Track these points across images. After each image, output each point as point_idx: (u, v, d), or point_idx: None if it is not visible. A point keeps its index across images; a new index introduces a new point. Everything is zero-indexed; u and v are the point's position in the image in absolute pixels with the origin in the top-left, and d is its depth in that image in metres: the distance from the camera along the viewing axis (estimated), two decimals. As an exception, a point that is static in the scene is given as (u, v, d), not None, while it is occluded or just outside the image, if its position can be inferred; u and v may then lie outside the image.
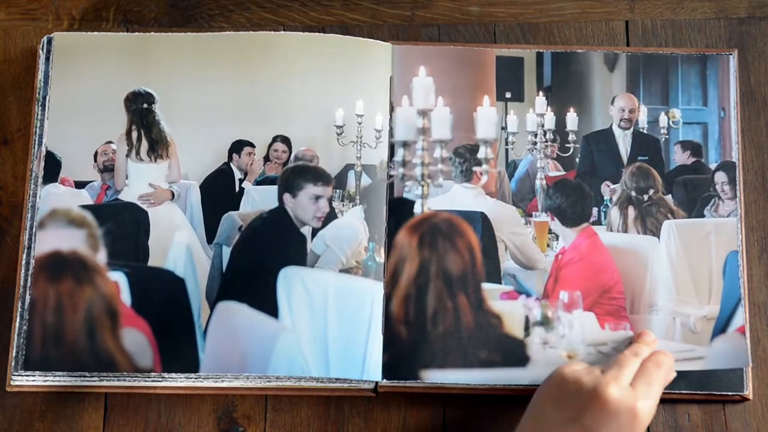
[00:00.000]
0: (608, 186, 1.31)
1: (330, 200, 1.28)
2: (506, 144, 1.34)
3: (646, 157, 1.31)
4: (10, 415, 1.23)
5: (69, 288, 1.19)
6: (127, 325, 1.19)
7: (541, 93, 1.33)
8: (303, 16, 1.38)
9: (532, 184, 1.32)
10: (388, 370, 1.20)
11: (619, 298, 1.24)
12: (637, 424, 1.05)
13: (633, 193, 1.30)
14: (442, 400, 1.23)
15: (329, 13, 1.38)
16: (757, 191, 1.29)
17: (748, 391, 1.21)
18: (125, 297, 1.21)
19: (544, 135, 1.33)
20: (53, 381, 1.20)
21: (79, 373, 1.19)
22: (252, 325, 1.21)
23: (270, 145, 1.32)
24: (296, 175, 1.28)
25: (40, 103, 1.29)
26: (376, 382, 1.21)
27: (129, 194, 1.30)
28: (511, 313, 1.21)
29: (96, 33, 1.34)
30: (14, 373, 1.20)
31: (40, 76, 1.30)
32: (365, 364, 1.20)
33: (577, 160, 1.33)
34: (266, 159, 1.33)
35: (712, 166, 1.29)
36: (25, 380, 1.20)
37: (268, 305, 1.21)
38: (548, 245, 1.31)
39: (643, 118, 1.33)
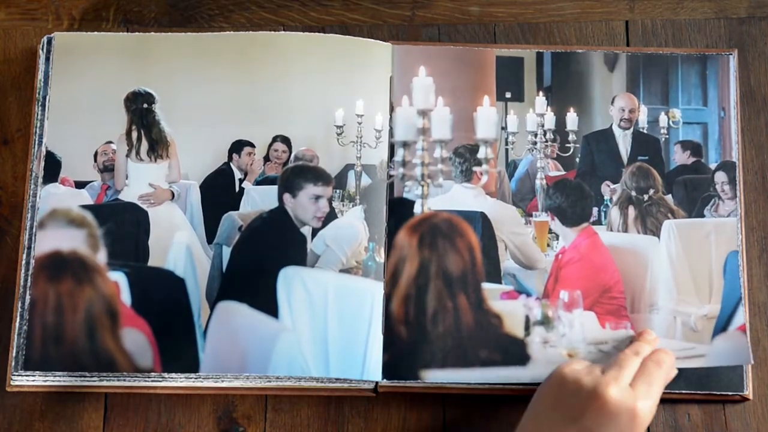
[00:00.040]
0: (608, 186, 1.31)
1: (330, 200, 1.28)
2: (506, 144, 1.34)
3: (646, 157, 1.32)
4: (10, 415, 1.23)
5: (69, 288, 1.19)
6: (127, 325, 1.19)
7: (541, 93, 1.33)
8: (303, 16, 1.38)
9: (532, 184, 1.32)
10: (388, 370, 1.20)
11: (619, 297, 1.24)
12: (637, 425, 1.05)
13: (633, 193, 1.30)
14: (442, 400, 1.23)
15: (329, 13, 1.38)
16: (757, 191, 1.29)
17: (748, 391, 1.21)
18: (125, 297, 1.21)
19: (544, 135, 1.33)
20: (53, 381, 1.20)
21: (79, 373, 1.19)
22: (252, 325, 1.21)
23: (270, 145, 1.32)
24: (296, 175, 1.28)
25: (40, 103, 1.29)
26: (376, 382, 1.20)
27: (129, 194, 1.30)
28: (512, 312, 1.21)
29: (96, 33, 1.34)
30: (14, 373, 1.20)
31: (40, 76, 1.30)
32: (365, 364, 1.20)
33: (577, 160, 1.33)
34: (266, 159, 1.33)
35: (712, 166, 1.29)
36: (25, 380, 1.20)
37: (268, 305, 1.21)
38: (548, 245, 1.31)
39: (643, 118, 1.33)
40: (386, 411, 1.23)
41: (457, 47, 1.33)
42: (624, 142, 1.34)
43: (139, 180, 1.31)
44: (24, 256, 1.23)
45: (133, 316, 1.20)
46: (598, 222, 1.30)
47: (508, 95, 1.33)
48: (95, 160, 1.30)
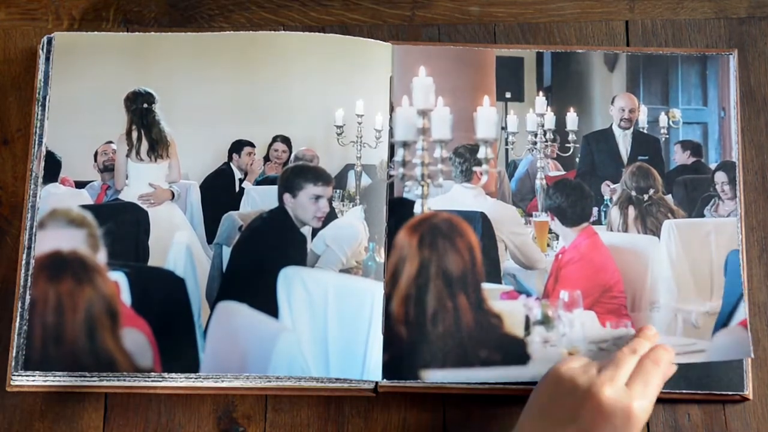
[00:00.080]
0: (608, 186, 1.31)
1: (330, 200, 1.28)
2: (506, 144, 1.34)
3: (646, 157, 1.31)
4: (10, 415, 1.23)
5: (69, 288, 1.19)
6: (127, 325, 1.19)
7: (541, 93, 1.33)
8: (303, 16, 1.38)
9: (532, 184, 1.32)
10: (388, 370, 1.20)
11: (619, 296, 1.24)
12: (633, 425, 1.04)
13: (633, 193, 1.30)
14: (442, 400, 1.23)
15: (329, 13, 1.38)
16: (757, 191, 1.29)
17: (748, 391, 1.21)
18: (125, 297, 1.21)
19: (544, 135, 1.33)
20: (53, 381, 1.20)
21: (79, 373, 1.19)
22: (252, 325, 1.21)
23: (270, 145, 1.32)
24: (296, 175, 1.28)
25: (40, 103, 1.29)
26: (376, 382, 1.20)
27: (129, 194, 1.30)
28: (511, 312, 1.21)
29: (96, 33, 1.34)
30: (14, 373, 1.20)
31: (40, 76, 1.30)
32: (365, 364, 1.20)
33: (577, 159, 1.33)
34: (266, 159, 1.33)
35: (712, 166, 1.29)
36: (25, 380, 1.20)
37: (268, 305, 1.21)
38: (548, 245, 1.31)
39: (643, 117, 1.33)
40: (386, 411, 1.23)
41: (457, 47, 1.33)
42: (624, 142, 1.34)
43: (139, 180, 1.31)
44: (24, 256, 1.23)
45: (133, 316, 1.20)
46: (598, 222, 1.30)
47: (508, 95, 1.33)
48: (95, 160, 1.30)
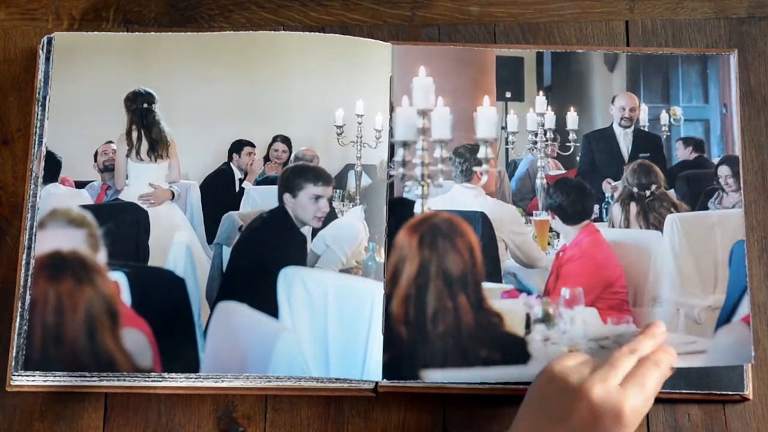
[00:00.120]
0: (609, 183, 1.31)
1: (330, 200, 1.28)
2: (506, 144, 1.34)
3: (648, 155, 1.31)
4: (10, 415, 1.23)
5: (69, 288, 1.19)
6: (127, 325, 1.19)
7: (541, 92, 1.33)
8: (303, 16, 1.38)
9: (533, 184, 1.32)
10: (388, 370, 1.20)
11: (621, 292, 1.24)
12: (624, 426, 1.03)
13: (635, 190, 1.29)
14: (442, 400, 1.23)
15: (329, 13, 1.38)
16: (757, 191, 1.29)
17: (748, 391, 1.21)
18: (125, 297, 1.21)
19: (545, 134, 1.33)
20: (53, 381, 1.19)
21: (79, 373, 1.18)
22: (252, 325, 1.21)
23: (270, 145, 1.32)
24: (296, 175, 1.28)
25: (40, 103, 1.29)
26: (376, 382, 1.20)
27: (129, 194, 1.30)
28: (512, 311, 1.21)
29: (96, 33, 1.34)
30: (14, 373, 1.19)
31: (40, 76, 1.30)
32: (365, 364, 1.20)
33: (578, 158, 1.33)
34: (266, 159, 1.33)
35: (715, 160, 1.29)
36: (25, 380, 1.20)
37: (268, 305, 1.21)
38: (549, 243, 1.30)
39: (643, 116, 1.33)
40: (386, 411, 1.23)
41: (457, 47, 1.33)
42: (625, 141, 1.34)
43: (139, 180, 1.31)
44: (24, 256, 1.23)
45: (133, 316, 1.20)
46: (600, 219, 1.30)
47: (508, 95, 1.33)
48: (95, 160, 1.30)
